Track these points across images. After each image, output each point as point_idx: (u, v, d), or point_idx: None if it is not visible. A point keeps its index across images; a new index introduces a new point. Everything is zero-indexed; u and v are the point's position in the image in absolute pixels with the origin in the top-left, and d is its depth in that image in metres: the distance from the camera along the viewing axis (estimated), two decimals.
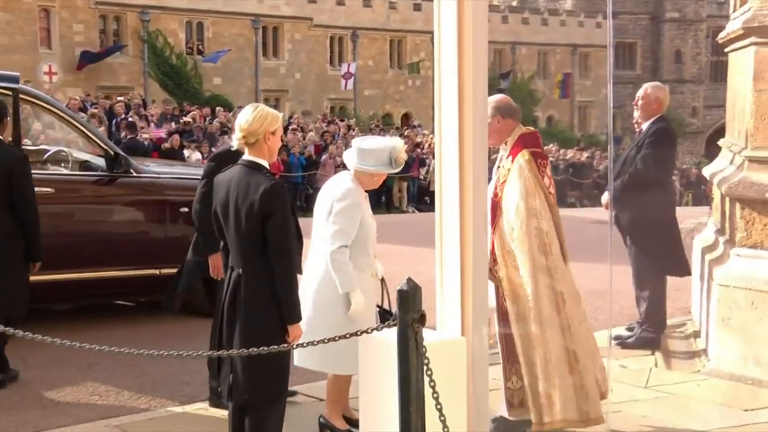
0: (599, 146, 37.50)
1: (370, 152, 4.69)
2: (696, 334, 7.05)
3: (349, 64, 38.97)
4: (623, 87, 43.23)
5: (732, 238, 6.38)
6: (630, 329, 6.97)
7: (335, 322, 4.52)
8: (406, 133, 29.30)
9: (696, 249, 7.44)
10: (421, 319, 3.09)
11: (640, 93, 6.68)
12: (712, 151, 9.51)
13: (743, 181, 6.18)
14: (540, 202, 4.63)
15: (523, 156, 4.70)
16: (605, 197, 7.12)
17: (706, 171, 7.91)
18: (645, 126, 6.71)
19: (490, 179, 4.58)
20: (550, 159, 30.25)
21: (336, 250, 4.56)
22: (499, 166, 4.84)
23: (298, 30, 40.34)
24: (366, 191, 4.80)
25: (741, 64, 6.66)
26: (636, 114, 6.81)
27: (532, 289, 4.54)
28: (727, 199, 6.53)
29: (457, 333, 3.79)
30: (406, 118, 43.01)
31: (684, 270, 6.74)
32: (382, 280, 4.89)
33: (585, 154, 31.91)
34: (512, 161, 4.72)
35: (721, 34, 7.22)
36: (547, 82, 49.05)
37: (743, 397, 5.61)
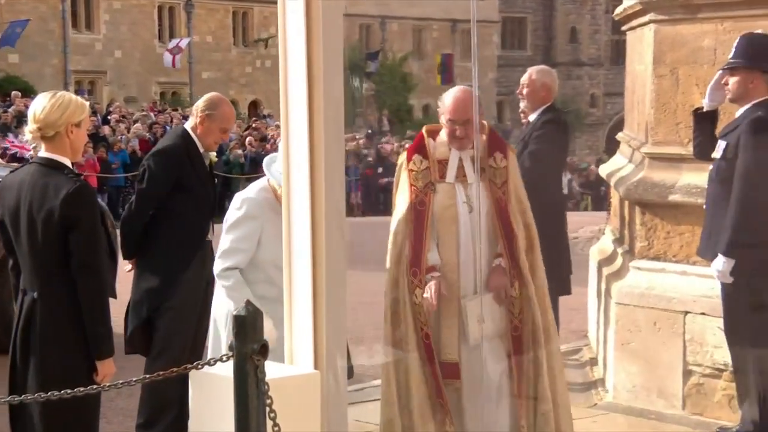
0: None
1: (275, 159, 4.57)
2: (593, 362, 7.31)
3: (180, 39, 38.46)
4: (512, 70, 44.38)
5: (632, 248, 6.65)
6: None
7: None
8: (254, 125, 29.19)
9: (592, 261, 7.71)
10: (263, 351, 3.09)
11: (524, 79, 6.88)
12: (613, 146, 9.91)
13: (643, 182, 6.46)
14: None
15: (514, 152, 5.09)
16: None
17: (603, 170, 8.23)
18: (532, 117, 6.91)
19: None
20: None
21: (221, 273, 4.48)
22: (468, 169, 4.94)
23: None
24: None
25: (639, 45, 6.97)
26: (522, 104, 7.01)
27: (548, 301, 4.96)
28: (626, 202, 6.81)
29: (308, 366, 3.81)
30: (254, 106, 42.82)
31: (565, 289, 6.94)
32: None
33: None
34: (503, 159, 4.96)
35: (618, 10, 7.54)
36: (423, 64, 49.79)
37: None
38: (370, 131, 37.61)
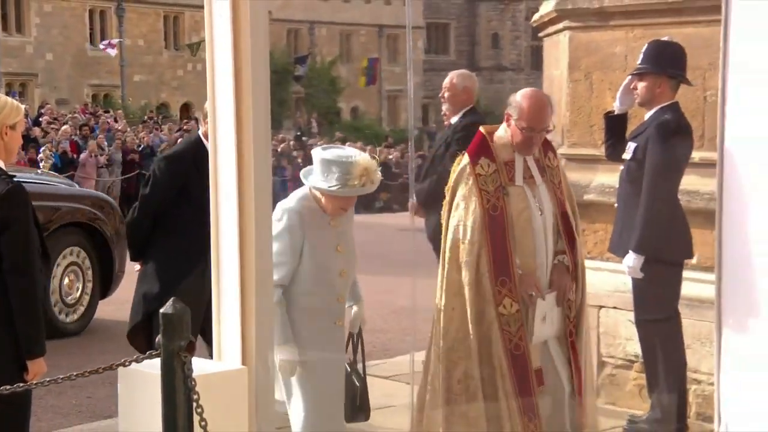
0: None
1: (321, 164, 4.31)
2: None
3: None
4: (437, 75, 44.47)
5: None
6: None
7: None
8: (186, 127, 28.94)
9: None
10: (190, 347, 3.08)
11: (445, 83, 6.93)
12: None
13: None
14: None
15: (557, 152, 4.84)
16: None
17: None
18: (454, 120, 6.96)
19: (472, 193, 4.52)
20: None
21: None
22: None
23: (48, 0, 38.92)
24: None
25: (556, 51, 7.07)
26: (444, 107, 7.06)
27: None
28: None
29: (236, 362, 3.81)
30: (186, 109, 42.43)
31: None
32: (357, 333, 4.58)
33: (394, 152, 32.73)
34: (555, 158, 4.73)
35: (535, 17, 7.63)
36: (351, 68, 49.81)
37: None
38: (299, 133, 37.54)
